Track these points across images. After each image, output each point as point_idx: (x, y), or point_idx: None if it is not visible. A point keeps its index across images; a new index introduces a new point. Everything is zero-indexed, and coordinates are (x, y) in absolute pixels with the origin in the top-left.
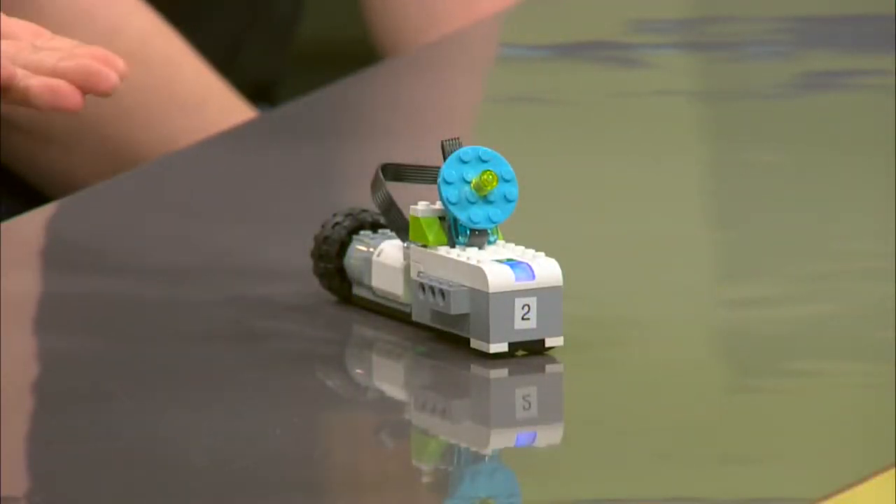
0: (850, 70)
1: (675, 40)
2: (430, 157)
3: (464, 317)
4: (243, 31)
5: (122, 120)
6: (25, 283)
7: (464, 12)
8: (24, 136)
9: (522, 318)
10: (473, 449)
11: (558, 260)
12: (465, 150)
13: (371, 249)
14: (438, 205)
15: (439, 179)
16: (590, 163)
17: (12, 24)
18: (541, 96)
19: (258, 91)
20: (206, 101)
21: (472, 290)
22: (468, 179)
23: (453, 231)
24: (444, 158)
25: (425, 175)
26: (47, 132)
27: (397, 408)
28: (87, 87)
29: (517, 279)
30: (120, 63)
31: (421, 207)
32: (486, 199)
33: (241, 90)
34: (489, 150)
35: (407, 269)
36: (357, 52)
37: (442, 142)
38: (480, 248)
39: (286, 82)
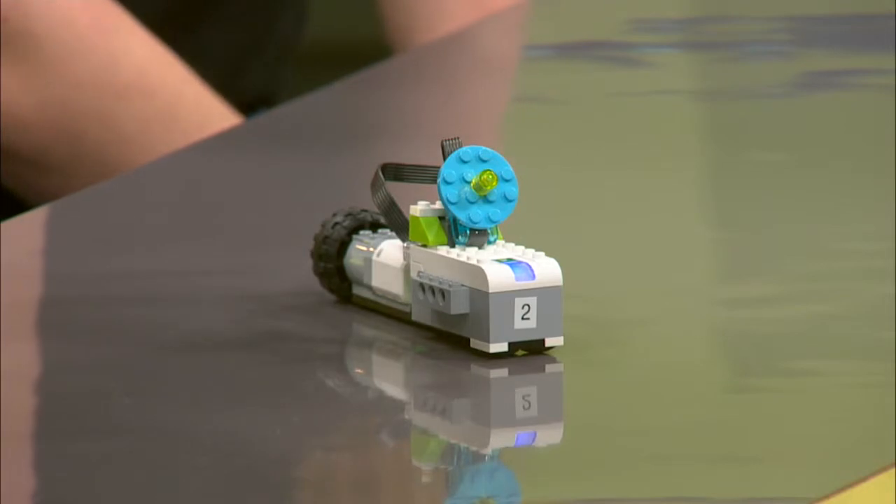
0: (850, 70)
1: (675, 40)
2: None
3: (464, 317)
4: (246, 53)
5: (123, 148)
6: (21, 286)
7: (473, 9)
8: (25, 165)
9: (522, 318)
10: (473, 449)
11: (558, 260)
12: (465, 150)
13: (371, 249)
14: (438, 205)
15: (439, 179)
16: (589, 162)
17: None
18: (541, 96)
19: (255, 103)
20: (207, 125)
21: (472, 290)
22: (468, 179)
23: (453, 231)
24: (444, 158)
25: (425, 175)
26: (48, 161)
27: (397, 408)
28: None
29: (517, 279)
30: None
31: (421, 207)
32: (485, 199)
33: (239, 105)
34: (489, 149)
35: (407, 269)
36: (358, 53)
37: (442, 141)
38: (480, 247)
39: (284, 93)
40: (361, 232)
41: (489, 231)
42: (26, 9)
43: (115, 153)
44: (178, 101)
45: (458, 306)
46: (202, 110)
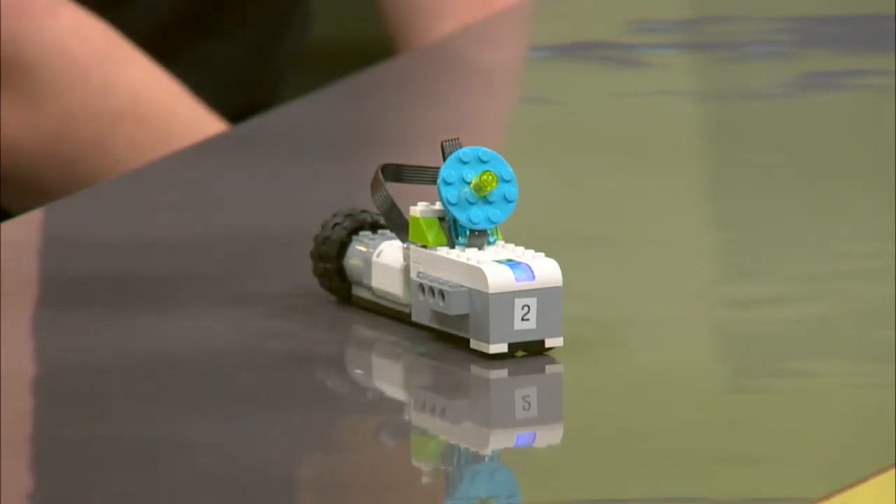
0: (850, 70)
1: (675, 40)
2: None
3: (463, 317)
4: (252, 63)
5: (117, 171)
6: (21, 287)
7: (476, 8)
8: (22, 189)
9: (522, 319)
10: (473, 449)
11: (558, 260)
12: (465, 151)
13: (371, 250)
14: (438, 205)
15: (439, 180)
16: (589, 163)
17: None
18: (541, 96)
19: (261, 112)
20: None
21: (472, 291)
22: (468, 180)
23: (453, 231)
24: (444, 159)
25: (425, 175)
26: (43, 186)
27: (397, 408)
28: None
29: (517, 279)
30: None
31: (421, 208)
32: (485, 200)
33: (244, 114)
34: (489, 150)
35: (407, 270)
36: (357, 54)
37: (442, 142)
38: (480, 248)
39: (285, 95)
40: (361, 233)
41: (489, 232)
42: (18, 38)
43: (109, 176)
44: (174, 123)
45: (458, 307)
46: (195, 129)
